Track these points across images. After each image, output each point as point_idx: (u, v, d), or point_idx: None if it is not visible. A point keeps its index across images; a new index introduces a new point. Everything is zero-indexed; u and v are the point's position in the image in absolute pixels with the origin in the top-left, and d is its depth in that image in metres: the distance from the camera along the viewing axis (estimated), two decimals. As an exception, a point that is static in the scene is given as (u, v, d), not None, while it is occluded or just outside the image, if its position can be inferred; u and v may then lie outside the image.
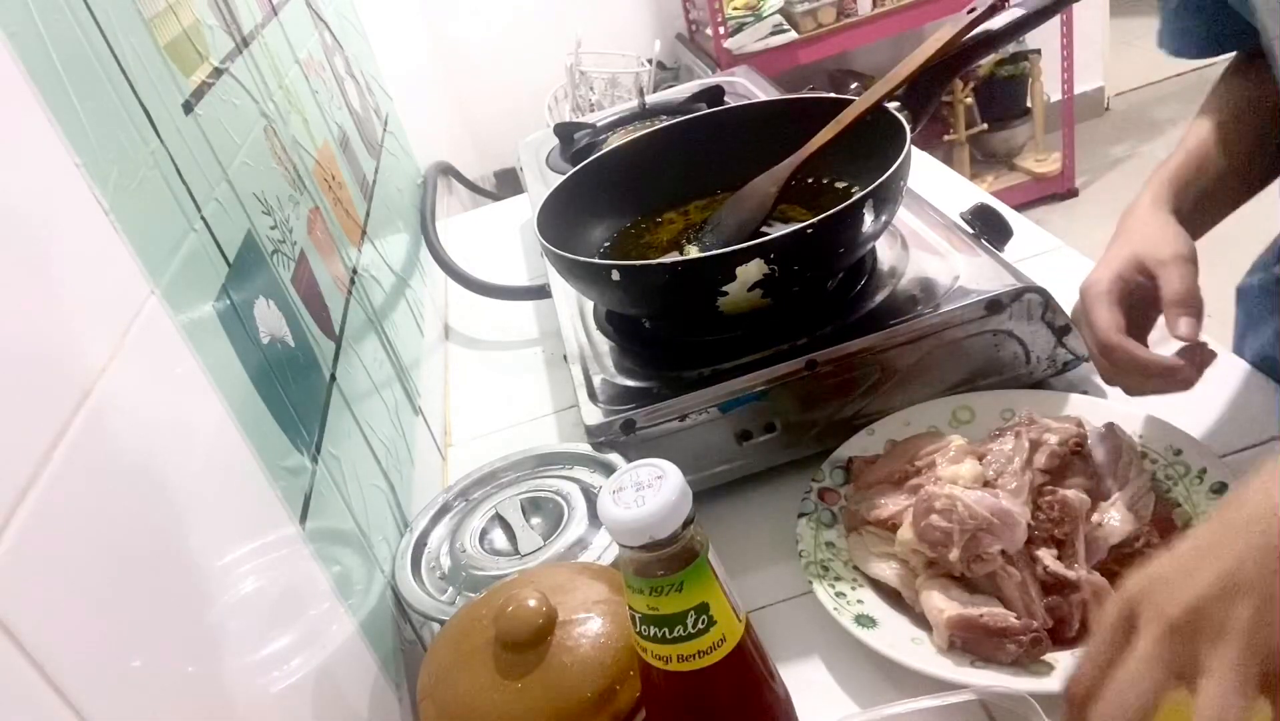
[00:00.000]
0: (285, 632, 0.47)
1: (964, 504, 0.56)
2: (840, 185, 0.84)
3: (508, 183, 1.99)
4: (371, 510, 0.64)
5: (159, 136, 0.49)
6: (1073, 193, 2.88)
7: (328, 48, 1.02)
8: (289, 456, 0.53)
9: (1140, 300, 0.61)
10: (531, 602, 0.46)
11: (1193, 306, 0.57)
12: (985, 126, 2.82)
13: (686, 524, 0.37)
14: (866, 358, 0.70)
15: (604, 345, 0.80)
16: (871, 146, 0.74)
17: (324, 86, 0.93)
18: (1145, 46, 3.51)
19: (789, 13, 2.45)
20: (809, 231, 0.65)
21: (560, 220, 0.81)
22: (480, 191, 1.60)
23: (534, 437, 0.88)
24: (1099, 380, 0.73)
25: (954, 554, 0.55)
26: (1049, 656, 0.52)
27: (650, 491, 0.37)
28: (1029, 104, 2.87)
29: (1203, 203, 0.65)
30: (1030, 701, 0.40)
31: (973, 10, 0.71)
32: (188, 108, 0.54)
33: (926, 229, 0.81)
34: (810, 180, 0.84)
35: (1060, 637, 0.53)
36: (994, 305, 0.69)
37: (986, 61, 2.68)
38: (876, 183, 0.67)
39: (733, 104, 1.11)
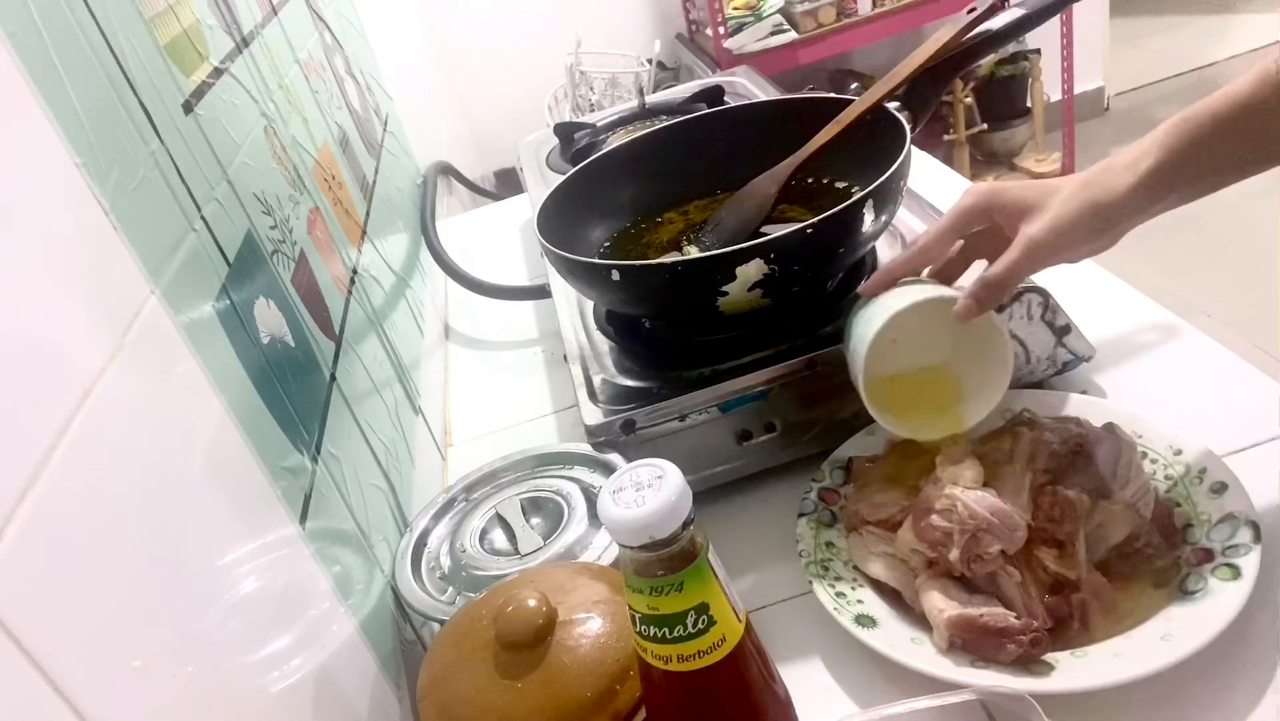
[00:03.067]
0: (285, 632, 0.47)
1: (964, 504, 0.56)
2: (840, 185, 0.84)
3: (508, 183, 1.99)
4: (371, 510, 0.64)
5: (159, 136, 0.49)
6: (1073, 193, 2.87)
7: (328, 48, 1.02)
8: (289, 456, 0.53)
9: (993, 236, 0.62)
10: (531, 602, 0.46)
11: (986, 293, 0.59)
12: (985, 126, 2.82)
13: (686, 524, 0.37)
14: (866, 357, 0.70)
15: (604, 345, 0.80)
16: (871, 146, 0.74)
17: (324, 86, 0.93)
18: (1145, 46, 3.51)
19: (789, 13, 2.45)
20: (809, 231, 0.65)
21: (560, 220, 0.81)
22: (480, 191, 1.60)
23: (534, 437, 0.88)
24: (1099, 380, 0.73)
25: (954, 554, 0.55)
26: (1049, 656, 0.52)
27: (650, 491, 0.37)
28: (1029, 104, 2.87)
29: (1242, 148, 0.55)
30: (1030, 701, 0.40)
31: (973, 10, 0.71)
32: (188, 108, 0.54)
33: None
34: (810, 180, 0.84)
35: (1060, 637, 0.53)
36: (994, 305, 0.69)
37: (986, 61, 2.68)
38: (876, 183, 0.67)
39: (733, 104, 1.11)
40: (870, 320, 0.63)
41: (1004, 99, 2.84)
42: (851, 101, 0.77)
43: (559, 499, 0.65)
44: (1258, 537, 0.53)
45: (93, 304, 0.39)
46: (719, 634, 0.38)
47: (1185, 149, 0.55)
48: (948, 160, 2.72)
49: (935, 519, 0.56)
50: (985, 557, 0.55)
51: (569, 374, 0.79)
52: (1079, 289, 0.74)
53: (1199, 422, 0.63)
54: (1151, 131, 0.57)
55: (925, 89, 0.76)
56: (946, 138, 2.79)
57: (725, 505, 0.73)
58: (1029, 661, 0.52)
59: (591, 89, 1.97)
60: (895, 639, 0.55)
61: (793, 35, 2.43)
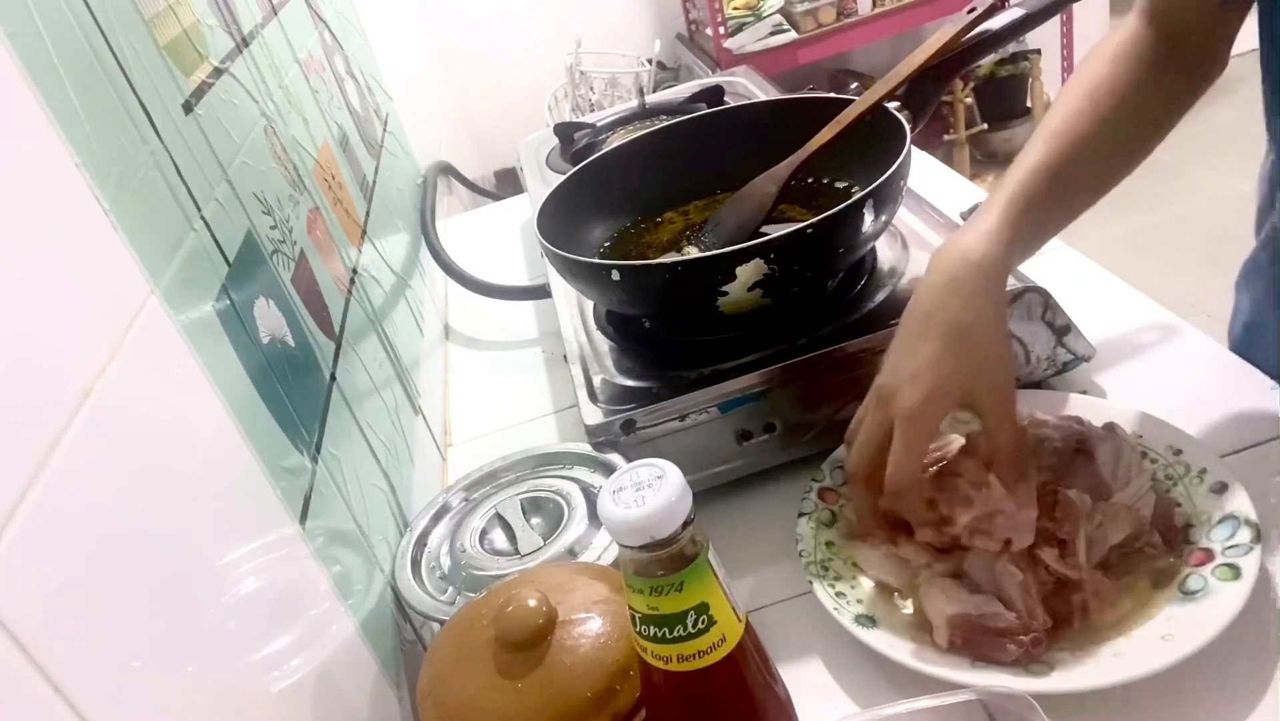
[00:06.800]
0: (285, 632, 0.47)
1: (998, 486, 0.56)
2: (840, 185, 0.84)
3: (508, 183, 1.99)
4: (371, 510, 0.64)
5: (159, 136, 0.49)
6: (1073, 192, 2.87)
7: (328, 48, 1.02)
8: (289, 456, 0.53)
9: None
10: (531, 602, 0.46)
11: (1017, 469, 0.56)
12: (985, 126, 2.82)
13: (686, 524, 0.37)
14: (867, 357, 0.70)
15: (604, 345, 0.80)
16: (871, 146, 0.74)
17: (324, 86, 0.93)
18: (1145, 46, 3.47)
19: (789, 13, 2.45)
20: (809, 231, 0.65)
21: (560, 220, 0.81)
22: (480, 191, 1.60)
23: (534, 437, 0.88)
24: (1099, 380, 0.73)
25: (965, 518, 0.55)
26: (1049, 656, 0.52)
27: (650, 491, 0.37)
28: (1029, 104, 2.87)
29: (1063, 204, 0.62)
30: (1030, 701, 0.40)
31: (973, 10, 0.71)
32: (188, 108, 0.54)
33: (926, 229, 0.81)
34: (810, 180, 0.84)
35: (1060, 638, 0.53)
36: (994, 305, 0.69)
37: (986, 61, 2.68)
38: (876, 183, 0.67)
39: (733, 104, 1.11)
40: None
41: (1004, 99, 2.85)
42: (851, 101, 0.77)
43: (559, 499, 0.65)
44: (1258, 537, 0.53)
45: (93, 304, 0.39)
46: (719, 634, 0.38)
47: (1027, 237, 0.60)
48: (948, 160, 2.72)
49: (962, 483, 0.56)
50: (990, 534, 0.55)
51: (569, 374, 0.79)
52: (1079, 289, 0.74)
53: (1199, 422, 0.63)
54: (995, 220, 0.58)
55: (925, 89, 0.76)
56: (946, 138, 2.80)
57: (725, 505, 0.73)
58: (1029, 661, 0.52)
59: (591, 89, 1.97)
60: (895, 639, 0.55)
61: (793, 35, 2.44)
